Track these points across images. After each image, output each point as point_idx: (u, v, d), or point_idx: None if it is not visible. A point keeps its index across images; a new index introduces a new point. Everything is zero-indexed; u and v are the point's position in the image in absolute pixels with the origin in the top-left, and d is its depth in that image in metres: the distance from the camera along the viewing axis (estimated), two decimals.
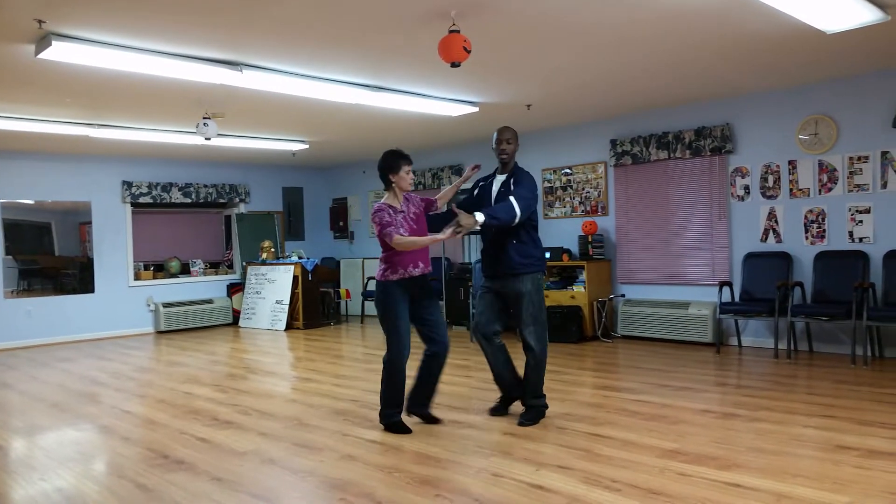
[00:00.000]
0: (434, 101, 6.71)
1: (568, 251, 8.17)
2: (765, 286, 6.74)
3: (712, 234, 7.36)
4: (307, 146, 9.40)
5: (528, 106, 7.25)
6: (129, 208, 10.00)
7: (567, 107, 7.42)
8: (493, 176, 4.53)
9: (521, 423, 4.33)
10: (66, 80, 5.57)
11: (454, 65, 4.24)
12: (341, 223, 11.93)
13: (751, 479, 3.26)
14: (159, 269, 10.53)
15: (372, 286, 10.81)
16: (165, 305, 10.01)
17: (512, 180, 4.38)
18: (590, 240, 7.99)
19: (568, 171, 8.61)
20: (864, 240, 6.35)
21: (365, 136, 8.93)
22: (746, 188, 7.10)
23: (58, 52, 4.56)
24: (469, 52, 4.22)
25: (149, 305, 10.10)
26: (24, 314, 9.07)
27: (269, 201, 11.57)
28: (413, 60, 5.34)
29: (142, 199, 10.03)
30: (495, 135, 4.44)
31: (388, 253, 4.25)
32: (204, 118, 6.68)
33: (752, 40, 5.10)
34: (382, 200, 4.29)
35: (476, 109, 7.15)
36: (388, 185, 4.32)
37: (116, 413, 5.12)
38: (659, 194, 7.78)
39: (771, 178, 6.92)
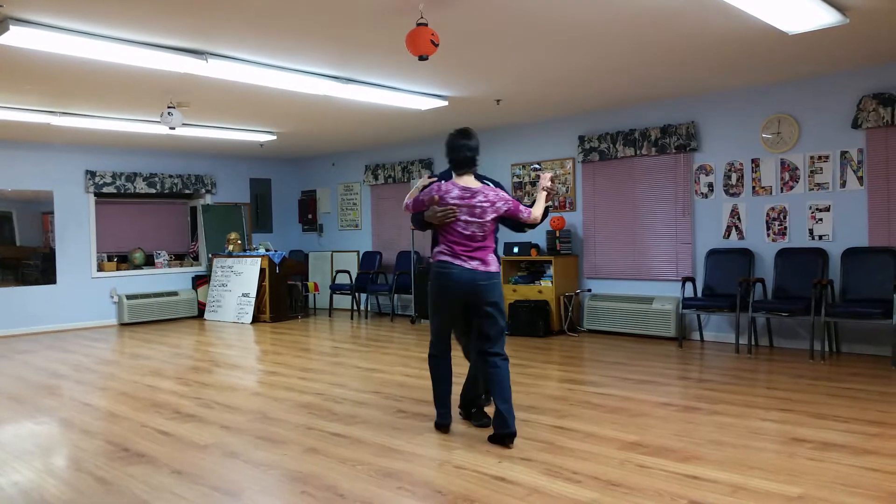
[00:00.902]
0: (403, 95, 6.69)
1: (536, 246, 8.22)
2: (727, 282, 6.85)
3: (676, 231, 7.46)
4: (275, 137, 9.32)
5: (498, 101, 7.26)
6: (92, 198, 9.82)
7: (536, 102, 7.46)
8: (444, 177, 4.16)
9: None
10: (26, 67, 5.45)
11: (422, 58, 4.23)
12: (310, 216, 11.85)
13: (709, 471, 3.33)
14: (123, 261, 10.37)
15: (341, 279, 10.77)
16: (129, 297, 9.87)
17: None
18: (557, 235, 8.05)
19: (537, 166, 8.66)
20: (823, 237, 6.49)
21: (334, 129, 8.88)
22: (710, 185, 7.21)
23: (16, 37, 4.45)
24: (437, 45, 4.22)
25: (112, 297, 9.94)
26: None
27: (235, 193, 11.44)
28: (382, 53, 5.32)
29: (105, 189, 9.86)
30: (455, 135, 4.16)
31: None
32: (168, 107, 6.59)
33: (716, 40, 5.17)
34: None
35: (445, 103, 7.15)
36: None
37: (77, 406, 5.04)
38: (625, 191, 7.86)
39: (734, 176, 7.03)
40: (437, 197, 3.86)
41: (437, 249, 3.95)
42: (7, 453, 3.93)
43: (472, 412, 4.29)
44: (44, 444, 4.09)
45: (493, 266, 3.88)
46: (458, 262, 3.83)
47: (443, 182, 3.93)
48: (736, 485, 3.13)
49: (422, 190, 4.02)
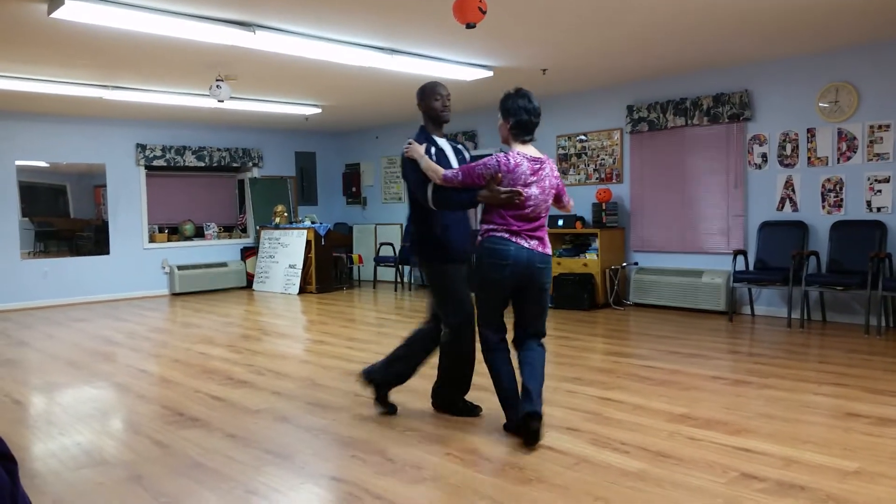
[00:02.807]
0: (448, 65, 6.64)
1: (581, 219, 8.13)
2: (780, 255, 6.69)
3: (728, 203, 7.29)
4: (320, 110, 9.36)
5: (544, 70, 7.16)
6: (143, 171, 10.03)
7: (583, 72, 7.32)
8: (426, 139, 3.71)
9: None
10: (79, 40, 5.56)
11: (469, 26, 4.18)
12: (354, 189, 11.92)
13: (760, 444, 3.28)
14: (174, 232, 10.60)
15: (385, 252, 10.84)
16: (180, 268, 10.09)
17: (463, 149, 3.89)
18: (603, 207, 7.95)
19: (583, 137, 8.54)
20: (882, 209, 6.28)
21: (378, 101, 8.88)
22: (764, 156, 7.01)
23: (70, 11, 4.53)
24: (484, 12, 4.16)
25: (163, 268, 10.19)
26: (40, 275, 9.17)
27: (281, 166, 11.56)
28: (427, 22, 5.27)
29: (156, 163, 10.06)
30: (438, 88, 3.72)
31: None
32: (217, 80, 6.66)
33: (772, 4, 4.99)
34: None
35: (491, 74, 7.07)
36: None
37: (132, 371, 5.20)
38: (675, 162, 7.70)
39: (789, 147, 6.83)
40: (499, 175, 3.35)
41: (488, 223, 3.45)
42: (69, 415, 4.08)
43: (459, 407, 3.89)
44: (101, 408, 4.23)
45: (549, 247, 3.50)
46: (516, 239, 3.39)
47: (505, 153, 3.40)
48: (788, 458, 3.08)
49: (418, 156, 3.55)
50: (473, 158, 3.79)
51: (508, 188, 3.34)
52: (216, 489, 2.90)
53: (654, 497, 2.70)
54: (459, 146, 3.88)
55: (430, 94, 3.71)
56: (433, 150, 3.66)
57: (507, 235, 3.39)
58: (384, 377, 3.89)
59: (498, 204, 3.38)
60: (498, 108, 3.51)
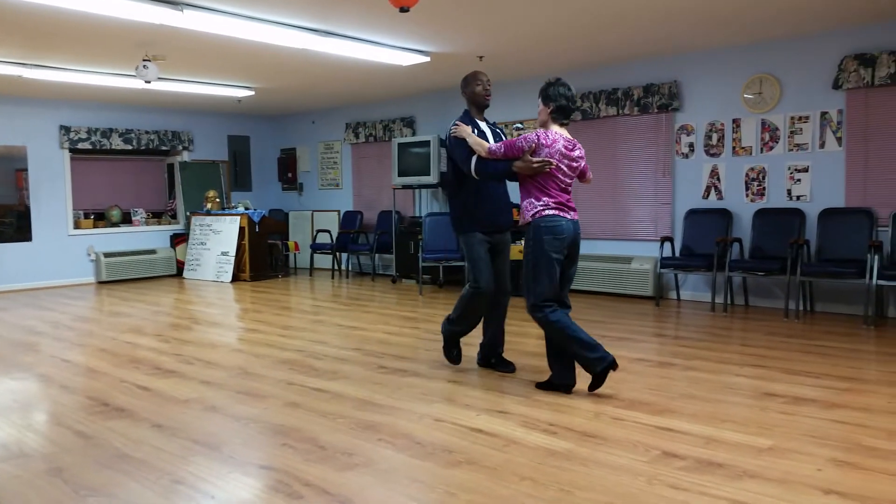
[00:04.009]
0: (385, 49, 6.60)
1: (515, 206, 8.20)
2: (705, 242, 6.92)
3: (656, 191, 7.49)
4: (253, 93, 9.17)
5: (481, 57, 7.19)
6: (67, 154, 9.65)
7: (519, 60, 7.38)
8: (470, 121, 4.24)
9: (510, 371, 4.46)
10: None
11: (403, 9, 4.16)
12: (290, 174, 11.74)
13: (682, 423, 3.40)
14: (100, 218, 10.24)
15: (322, 239, 10.73)
16: (107, 255, 9.77)
17: (501, 133, 4.44)
18: None
19: (520, 125, 8.62)
20: (801, 198, 6.56)
21: (314, 85, 8.76)
22: (691, 146, 7.22)
23: None
24: None
25: (89, 255, 9.84)
26: None
27: (213, 150, 11.29)
28: (362, 4, 5.22)
29: (81, 145, 9.68)
30: (479, 75, 4.26)
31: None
32: (144, 60, 6.45)
33: None
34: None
35: (427, 59, 7.06)
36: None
37: (55, 362, 5.02)
38: (607, 150, 7.86)
39: (715, 136, 7.05)
40: (534, 146, 3.78)
41: (537, 204, 3.84)
42: None
43: (492, 362, 4.53)
44: (22, 400, 4.08)
45: None
46: (564, 214, 3.82)
47: (544, 131, 3.84)
48: (708, 437, 3.21)
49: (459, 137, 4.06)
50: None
51: (541, 158, 3.76)
52: (142, 480, 2.84)
53: (579, 476, 2.78)
54: (498, 129, 4.40)
55: (472, 80, 4.24)
56: (476, 131, 4.18)
57: (558, 212, 3.80)
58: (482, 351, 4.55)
59: (531, 172, 3.80)
60: (539, 95, 3.89)
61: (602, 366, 3.74)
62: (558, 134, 3.83)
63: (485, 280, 4.20)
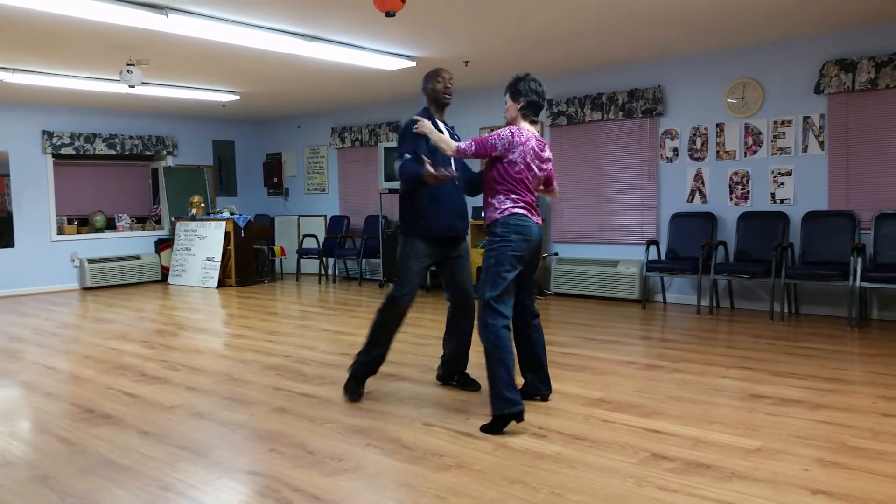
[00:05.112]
0: (370, 54, 6.59)
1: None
2: (690, 245, 6.96)
3: (642, 195, 7.53)
4: (238, 98, 9.13)
5: (466, 62, 7.20)
6: (50, 159, 9.55)
7: (504, 64, 7.40)
8: (430, 119, 3.95)
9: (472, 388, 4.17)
10: None
11: (389, 14, 4.16)
12: (275, 179, 11.69)
13: (670, 425, 3.41)
14: (83, 224, 10.15)
15: (308, 244, 10.69)
16: (91, 261, 9.68)
17: (457, 136, 4.07)
18: None
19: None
20: (784, 201, 6.61)
21: (299, 90, 8.73)
22: (675, 150, 7.27)
23: None
24: (404, 1, 4.15)
25: (73, 261, 9.75)
26: None
27: (198, 155, 11.22)
28: (348, 9, 5.22)
29: (64, 150, 9.59)
30: (441, 72, 3.99)
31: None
32: (128, 65, 6.41)
33: (684, 1, 5.17)
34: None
35: (413, 64, 7.06)
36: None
37: (39, 369, 4.96)
38: (592, 155, 7.89)
39: (699, 141, 7.10)
40: (507, 143, 3.49)
41: (506, 201, 3.53)
42: None
43: (455, 380, 4.22)
44: (5, 408, 4.03)
45: None
46: (532, 216, 3.56)
47: (517, 127, 3.54)
48: (696, 438, 3.22)
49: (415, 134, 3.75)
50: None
51: (442, 171, 3.60)
52: (128, 486, 2.81)
53: (568, 478, 2.78)
54: (456, 135, 4.07)
55: (433, 77, 4.00)
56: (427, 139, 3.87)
57: (527, 213, 3.55)
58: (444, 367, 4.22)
59: (433, 181, 3.64)
60: (506, 90, 3.65)
61: (511, 409, 3.31)
62: (530, 132, 3.57)
63: (407, 293, 3.89)
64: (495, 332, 3.41)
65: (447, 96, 3.99)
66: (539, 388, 3.83)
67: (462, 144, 3.61)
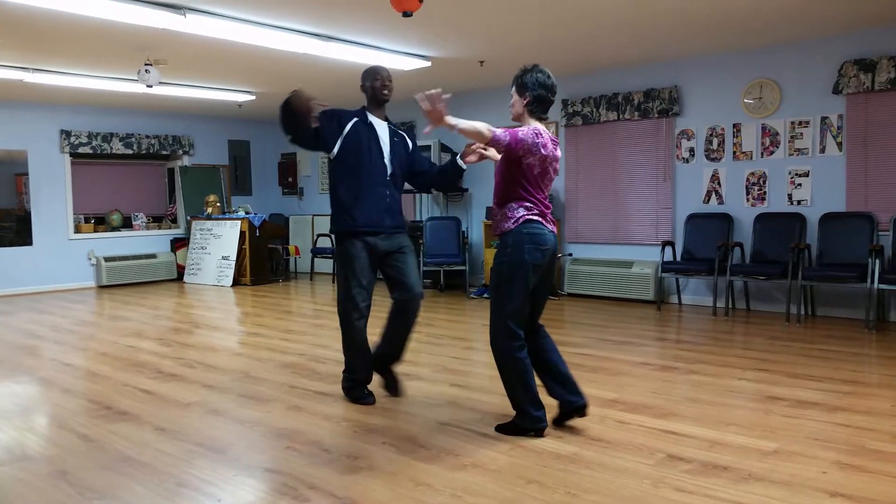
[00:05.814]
0: (386, 54, 6.61)
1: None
2: (706, 246, 6.92)
3: (657, 195, 7.50)
4: (254, 98, 9.18)
5: (482, 62, 7.20)
6: (67, 159, 9.65)
7: (519, 64, 7.30)
8: (360, 116, 3.92)
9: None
10: None
11: (406, 14, 4.18)
12: (290, 179, 11.74)
13: (686, 427, 3.40)
14: (100, 223, 10.23)
15: (322, 243, 10.73)
16: (107, 259, 9.76)
17: (406, 136, 4.04)
18: None
19: None
20: (801, 202, 6.56)
21: (315, 90, 8.72)
22: (691, 150, 7.23)
23: None
24: (421, 1, 4.16)
25: (90, 259, 9.84)
26: None
27: (214, 154, 11.29)
28: (365, 9, 5.23)
29: (81, 150, 9.68)
30: (379, 69, 3.91)
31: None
32: (146, 65, 6.46)
33: (700, 2, 5.14)
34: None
35: (429, 64, 7.07)
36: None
37: (57, 366, 5.01)
38: (608, 155, 7.87)
39: (715, 141, 7.06)
40: (537, 141, 3.18)
41: (519, 209, 3.23)
42: None
43: (382, 373, 4.07)
44: (24, 403, 4.07)
45: None
46: (547, 224, 3.26)
47: (540, 128, 3.23)
48: (712, 440, 3.20)
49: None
50: (396, 142, 3.95)
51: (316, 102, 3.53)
52: (146, 482, 2.83)
53: (585, 479, 2.77)
54: (403, 134, 4.02)
55: (371, 75, 3.94)
56: (358, 124, 3.88)
57: (542, 221, 3.24)
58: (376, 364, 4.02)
59: (305, 107, 3.50)
60: (512, 83, 3.37)
61: (534, 426, 3.24)
62: (547, 134, 3.25)
63: (351, 300, 3.83)
64: (512, 354, 3.21)
65: (385, 93, 3.89)
66: (572, 401, 3.34)
67: (498, 132, 3.15)
